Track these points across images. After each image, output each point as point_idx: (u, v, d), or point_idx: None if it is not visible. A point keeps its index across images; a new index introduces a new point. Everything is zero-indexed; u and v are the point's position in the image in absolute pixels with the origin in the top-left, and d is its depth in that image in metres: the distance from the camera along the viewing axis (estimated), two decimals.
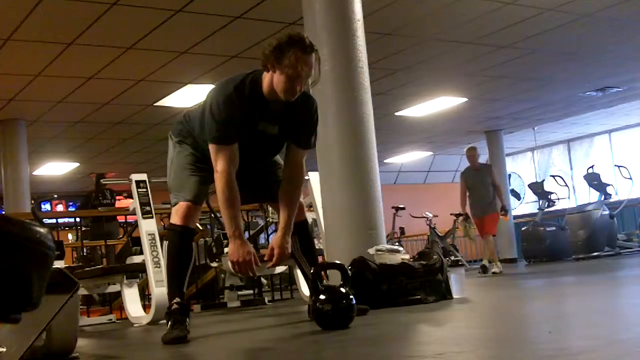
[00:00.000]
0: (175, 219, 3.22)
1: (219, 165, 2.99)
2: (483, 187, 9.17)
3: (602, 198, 11.25)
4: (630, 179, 11.38)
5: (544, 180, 14.01)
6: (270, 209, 5.80)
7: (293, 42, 2.91)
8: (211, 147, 3.03)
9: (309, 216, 5.60)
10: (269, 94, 3.00)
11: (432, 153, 16.90)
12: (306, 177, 5.54)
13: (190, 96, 8.94)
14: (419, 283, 4.07)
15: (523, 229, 12.19)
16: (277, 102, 3.01)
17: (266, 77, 3.00)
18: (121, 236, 9.26)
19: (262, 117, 3.07)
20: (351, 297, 3.00)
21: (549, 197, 12.07)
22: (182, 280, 3.21)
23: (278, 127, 3.12)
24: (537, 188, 12.51)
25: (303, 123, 3.17)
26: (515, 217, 14.82)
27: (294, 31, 3.02)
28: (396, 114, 11.44)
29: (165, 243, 3.37)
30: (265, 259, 3.16)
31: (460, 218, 9.85)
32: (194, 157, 3.24)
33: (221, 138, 3.00)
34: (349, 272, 3.20)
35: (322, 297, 2.95)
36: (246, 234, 8.08)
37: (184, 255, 3.25)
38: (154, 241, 4.82)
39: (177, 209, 3.21)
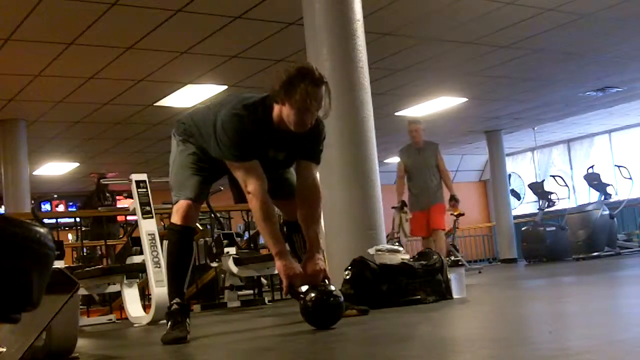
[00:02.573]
0: (176, 218, 3.22)
1: (250, 185, 2.99)
2: (427, 170, 7.48)
3: (602, 198, 11.25)
4: (630, 179, 11.38)
5: (544, 180, 14.02)
6: None
7: (303, 75, 2.90)
8: (235, 168, 3.03)
9: None
10: (278, 124, 3.01)
11: None
12: None
13: (190, 96, 8.94)
14: (419, 283, 4.06)
15: (523, 229, 12.19)
16: (287, 132, 3.02)
17: (276, 108, 3.00)
18: (121, 236, 9.28)
19: (272, 145, 3.09)
20: (339, 295, 3.00)
21: (549, 197, 12.08)
22: (182, 280, 3.22)
23: (285, 154, 3.15)
24: (537, 188, 12.52)
25: (312, 145, 3.18)
26: (515, 217, 14.83)
27: (303, 63, 3.01)
28: (396, 114, 11.44)
29: (165, 243, 3.36)
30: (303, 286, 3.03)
31: (395, 211, 7.95)
32: (197, 156, 3.24)
33: (243, 155, 3.00)
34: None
35: (311, 294, 2.93)
36: (246, 234, 8.11)
37: (184, 255, 3.25)
38: (154, 241, 4.82)
39: (178, 207, 3.22)
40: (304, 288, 2.96)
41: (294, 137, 3.05)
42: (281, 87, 2.91)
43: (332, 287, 3.05)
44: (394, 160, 16.43)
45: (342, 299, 3.02)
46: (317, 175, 3.28)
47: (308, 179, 3.19)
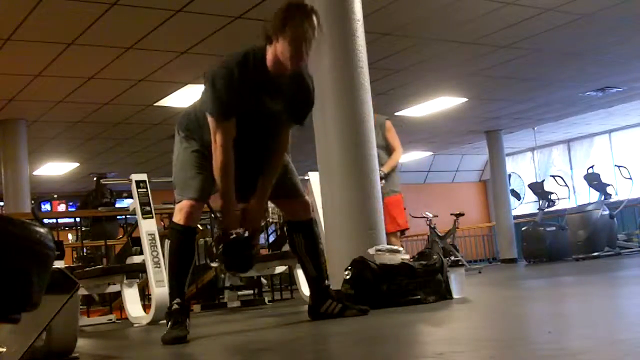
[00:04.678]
0: (178, 217, 3.21)
1: (218, 139, 3.05)
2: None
3: (602, 198, 11.24)
4: (630, 179, 11.37)
5: (544, 180, 14.00)
6: (270, 209, 5.80)
7: (294, 7, 3.00)
8: (210, 120, 3.07)
9: None
10: (273, 67, 3.04)
11: (432, 153, 16.90)
12: (306, 177, 5.55)
13: (190, 96, 8.94)
14: (418, 283, 4.06)
15: (523, 229, 12.18)
16: (283, 76, 3.05)
17: (269, 51, 3.03)
18: (121, 236, 9.27)
19: (267, 92, 3.10)
20: (251, 253, 3.21)
21: (549, 197, 12.07)
22: (183, 280, 3.21)
23: (282, 104, 3.15)
24: (537, 188, 12.51)
25: (303, 102, 3.23)
26: (515, 217, 14.84)
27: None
28: (396, 114, 11.44)
29: (167, 242, 3.36)
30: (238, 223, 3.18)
31: None
32: (200, 153, 3.22)
33: (221, 113, 3.04)
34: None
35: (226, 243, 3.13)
36: (246, 234, 8.10)
37: (186, 255, 3.24)
38: (154, 241, 4.82)
39: (181, 207, 3.20)
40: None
41: (290, 83, 3.11)
42: (274, 22, 2.98)
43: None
44: None
45: (253, 255, 3.24)
46: (290, 133, 3.32)
47: (286, 131, 3.26)
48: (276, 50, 2.99)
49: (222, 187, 3.09)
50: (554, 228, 11.66)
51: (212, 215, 6.94)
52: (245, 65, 3.03)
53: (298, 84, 3.17)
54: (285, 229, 3.50)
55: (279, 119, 3.21)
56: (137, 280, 5.45)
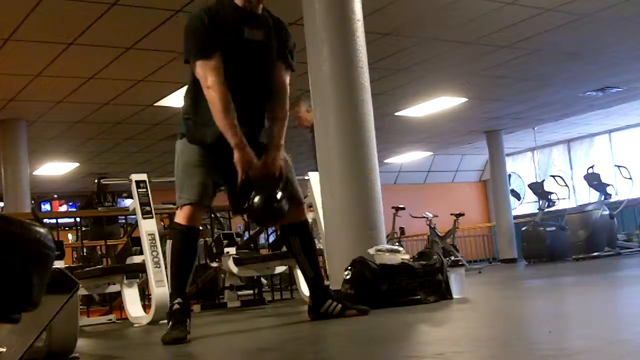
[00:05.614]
0: (179, 218, 3.22)
1: (210, 79, 3.07)
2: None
3: (602, 198, 11.25)
4: (630, 179, 11.37)
5: (544, 180, 14.00)
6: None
7: None
8: (196, 66, 3.10)
9: (309, 216, 5.61)
10: (242, 2, 3.15)
11: (432, 153, 16.90)
12: (306, 177, 5.55)
13: None
14: (419, 283, 4.06)
15: (523, 229, 12.18)
16: (253, 6, 3.16)
17: None
18: (121, 236, 9.28)
19: (244, 22, 3.17)
20: (283, 205, 3.16)
21: (549, 197, 12.07)
22: (184, 280, 3.20)
23: (262, 33, 3.21)
24: (537, 188, 12.51)
25: (283, 32, 3.31)
26: (515, 217, 14.83)
27: None
28: (396, 114, 11.44)
29: (169, 242, 3.35)
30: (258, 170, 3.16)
31: None
32: (201, 152, 3.21)
33: (201, 49, 3.09)
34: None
35: (256, 199, 3.08)
36: (246, 235, 8.11)
37: (188, 255, 3.24)
38: (154, 241, 4.82)
39: (182, 209, 3.20)
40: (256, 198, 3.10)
41: (264, 18, 3.22)
42: None
43: (279, 194, 3.15)
44: (394, 160, 16.50)
45: (285, 208, 3.17)
46: (288, 79, 3.34)
47: (280, 76, 3.29)
48: None
49: (226, 128, 3.07)
50: (554, 228, 11.66)
51: (212, 215, 6.97)
52: (218, 4, 3.16)
53: (274, 19, 3.28)
54: (279, 232, 3.48)
55: (265, 51, 3.24)
56: (137, 280, 5.45)
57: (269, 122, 3.28)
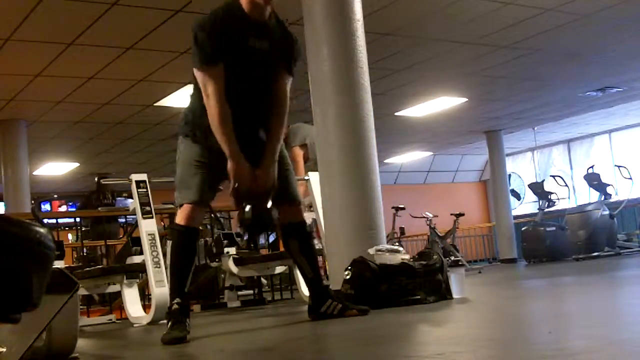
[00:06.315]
0: (179, 219, 3.22)
1: (209, 88, 3.08)
2: None
3: (602, 198, 11.24)
4: (630, 179, 11.37)
5: (544, 180, 14.01)
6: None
7: None
8: (198, 73, 3.12)
9: (309, 216, 5.61)
10: (249, 7, 3.13)
11: (432, 153, 16.90)
12: (306, 177, 5.55)
13: None
14: (419, 283, 4.06)
15: (523, 229, 12.18)
16: (263, 19, 3.16)
17: None
18: (121, 236, 9.27)
19: (250, 31, 3.16)
20: (270, 217, 3.17)
21: (549, 197, 12.06)
22: (183, 281, 3.20)
23: (267, 43, 3.20)
24: (537, 188, 12.51)
25: (288, 42, 3.30)
26: (515, 217, 14.84)
27: None
28: (396, 114, 11.44)
29: (169, 243, 3.35)
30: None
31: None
32: (202, 151, 3.21)
33: (205, 57, 3.09)
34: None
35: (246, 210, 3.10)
36: (246, 235, 8.10)
37: (187, 255, 3.24)
38: (154, 241, 4.82)
39: (182, 209, 3.21)
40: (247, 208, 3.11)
41: (271, 27, 3.21)
42: None
43: (269, 204, 3.15)
44: (394, 160, 16.51)
45: (275, 217, 3.19)
46: (289, 88, 3.34)
47: (282, 84, 3.28)
48: None
49: (222, 138, 3.08)
50: (554, 228, 11.65)
51: (212, 215, 6.96)
52: (226, 13, 3.15)
53: (281, 28, 3.28)
54: (278, 234, 3.50)
55: (269, 61, 3.23)
56: (137, 280, 5.45)
57: (265, 134, 3.27)
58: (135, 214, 5.12)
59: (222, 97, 3.06)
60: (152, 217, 4.96)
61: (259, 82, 3.24)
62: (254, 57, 3.17)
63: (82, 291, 5.15)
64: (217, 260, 6.19)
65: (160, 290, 4.63)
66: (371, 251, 4.15)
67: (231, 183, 3.11)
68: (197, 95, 3.24)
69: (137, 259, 5.28)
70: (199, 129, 3.22)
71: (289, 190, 3.36)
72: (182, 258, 3.24)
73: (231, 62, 3.11)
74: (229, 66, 3.11)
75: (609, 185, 11.38)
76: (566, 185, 12.61)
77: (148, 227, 4.88)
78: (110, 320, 5.62)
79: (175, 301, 3.16)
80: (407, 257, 4.19)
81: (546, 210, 12.25)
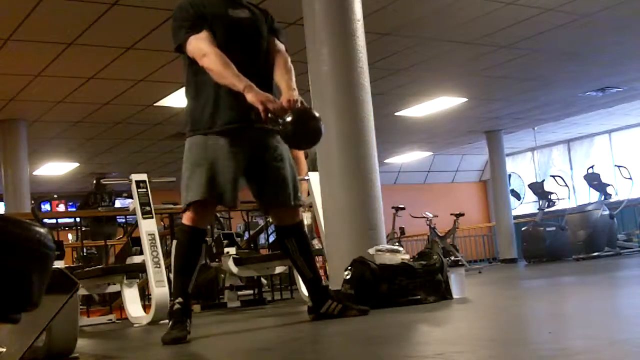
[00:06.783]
0: (185, 219, 3.21)
1: (202, 49, 3.11)
2: None
3: (602, 198, 11.25)
4: (630, 179, 11.37)
5: (544, 180, 14.01)
6: None
7: None
8: (188, 47, 3.15)
9: (309, 216, 5.60)
10: None
11: (432, 153, 16.90)
12: (306, 177, 5.54)
13: None
14: (419, 283, 4.06)
15: (523, 229, 12.18)
16: None
17: None
18: (121, 236, 9.27)
19: (227, 4, 3.26)
20: (318, 118, 3.08)
21: (549, 197, 12.07)
22: (187, 281, 3.19)
23: (247, 11, 3.29)
24: (537, 188, 12.52)
25: (263, 15, 3.38)
26: (515, 217, 14.84)
27: None
28: (396, 114, 11.44)
29: (174, 242, 3.34)
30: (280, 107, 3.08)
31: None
32: (204, 151, 3.16)
33: (190, 27, 3.15)
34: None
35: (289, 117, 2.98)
36: (246, 235, 8.11)
37: (191, 255, 3.22)
38: (154, 241, 4.82)
39: (187, 210, 3.19)
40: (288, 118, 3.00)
41: (243, 4, 3.32)
42: None
43: (316, 113, 3.12)
44: (394, 160, 16.51)
45: (321, 122, 3.08)
46: (284, 47, 3.37)
47: (278, 48, 3.34)
48: None
49: (230, 81, 3.05)
50: (554, 228, 11.66)
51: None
52: None
53: (253, 7, 3.38)
54: (275, 235, 3.47)
55: (253, 26, 3.29)
56: (137, 280, 5.45)
57: (280, 79, 3.24)
58: (135, 214, 5.12)
59: (218, 49, 3.09)
60: (152, 217, 4.96)
61: (251, 49, 3.27)
62: (238, 24, 3.24)
63: (82, 291, 5.15)
64: (217, 260, 6.19)
65: (160, 290, 4.64)
66: (371, 251, 4.15)
67: (261, 111, 3.01)
68: (189, 87, 3.26)
69: (137, 259, 5.28)
70: (201, 115, 3.20)
71: (287, 191, 3.33)
72: (185, 258, 3.23)
73: (217, 33, 3.16)
74: (220, 40, 3.14)
75: (609, 185, 11.39)
76: (566, 185, 12.61)
77: (148, 227, 4.88)
78: (110, 320, 5.62)
79: (177, 301, 3.15)
80: (407, 257, 4.19)
81: (546, 210, 12.25)
